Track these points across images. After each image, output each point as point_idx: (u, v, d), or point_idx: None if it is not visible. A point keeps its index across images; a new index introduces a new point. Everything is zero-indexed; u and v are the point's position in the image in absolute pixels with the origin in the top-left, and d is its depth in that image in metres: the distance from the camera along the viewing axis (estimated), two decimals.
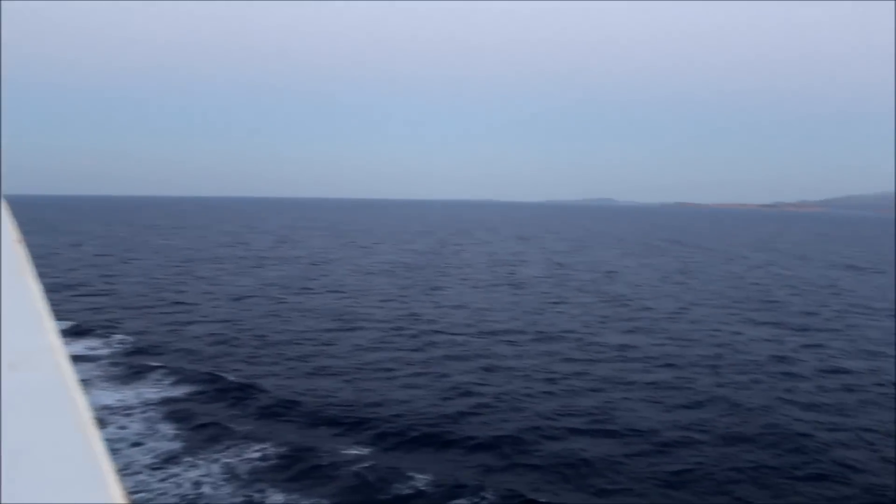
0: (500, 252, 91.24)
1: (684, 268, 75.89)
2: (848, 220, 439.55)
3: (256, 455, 19.21)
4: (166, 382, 26.28)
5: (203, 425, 21.66)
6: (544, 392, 26.40)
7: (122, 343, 32.89)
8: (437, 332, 36.79)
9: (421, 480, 18.01)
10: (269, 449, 19.63)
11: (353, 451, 19.82)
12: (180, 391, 25.33)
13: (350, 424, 22.46)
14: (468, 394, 25.94)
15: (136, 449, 19.66)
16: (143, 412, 22.75)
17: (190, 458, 19.02)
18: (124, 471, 18.06)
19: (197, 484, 17.37)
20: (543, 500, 17.34)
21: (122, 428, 21.24)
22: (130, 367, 28.39)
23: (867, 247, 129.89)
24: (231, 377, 26.84)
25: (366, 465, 18.81)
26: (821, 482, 18.96)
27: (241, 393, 25.25)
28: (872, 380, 29.27)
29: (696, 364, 31.19)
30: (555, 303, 47.32)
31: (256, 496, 17.00)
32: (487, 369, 29.54)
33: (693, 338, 36.82)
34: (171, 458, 19.02)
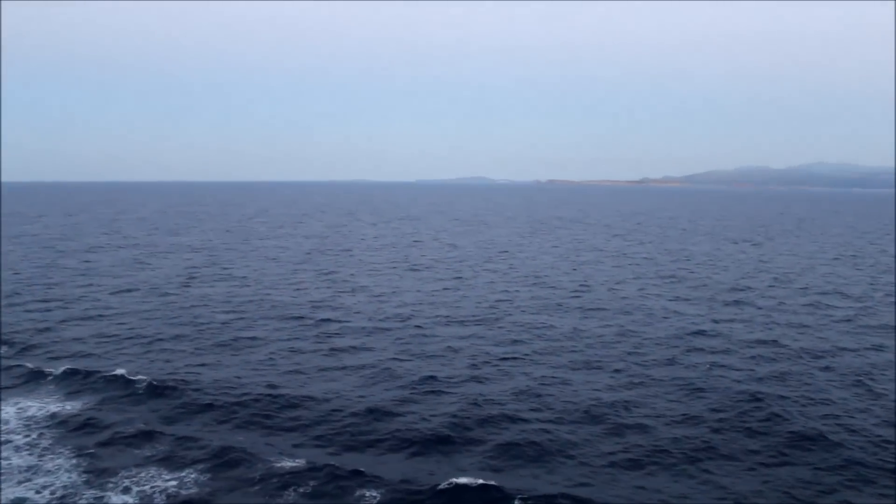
0: (389, 234, 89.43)
1: (574, 244, 76.65)
2: (711, 194, 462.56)
3: (174, 476, 16.73)
4: (53, 395, 22.95)
5: (104, 444, 18.93)
6: (471, 378, 25.16)
7: None
8: (341, 319, 34.91)
9: (368, 487, 16.36)
10: (189, 467, 17.18)
11: (286, 462, 17.75)
12: (71, 403, 22.17)
13: (272, 426, 20.50)
14: (390, 384, 24.40)
15: (26, 486, 16.40)
16: (28, 434, 19.40)
17: (95, 491, 16.13)
18: None
19: None
20: (507, 487, 16.08)
21: (4, 458, 17.69)
22: (6, 377, 24.79)
23: (738, 220, 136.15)
24: (129, 380, 23.98)
25: (302, 473, 16.94)
26: (777, 466, 18.54)
27: (143, 398, 22.61)
28: (781, 351, 29.71)
29: (616, 342, 30.87)
30: (457, 285, 46.16)
31: None
32: (402, 357, 28.06)
33: (603, 315, 36.62)
34: (70, 494, 15.96)
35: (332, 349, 29.30)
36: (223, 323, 33.80)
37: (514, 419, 21.25)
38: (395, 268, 54.46)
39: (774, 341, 31.23)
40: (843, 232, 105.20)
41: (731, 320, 35.81)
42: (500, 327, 33.54)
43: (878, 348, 30.49)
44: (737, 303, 40.60)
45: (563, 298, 41.32)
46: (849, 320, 36.33)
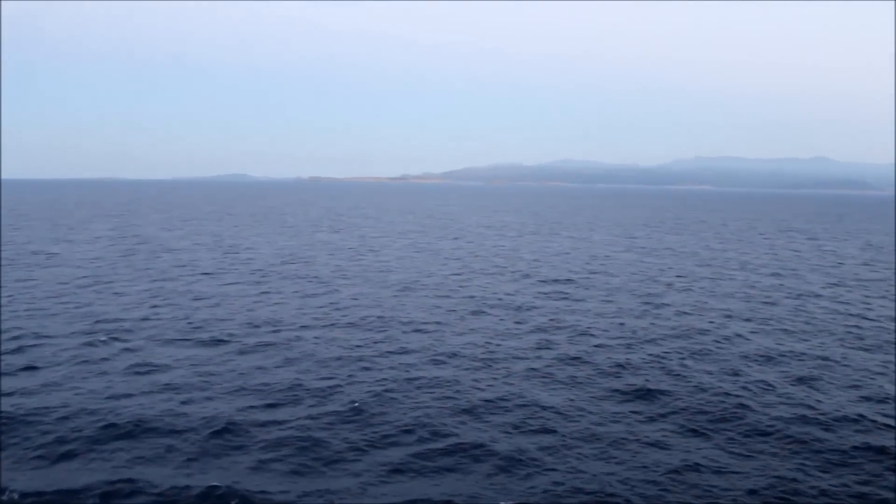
0: (162, 236, 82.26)
1: (367, 241, 75.49)
2: (472, 189, 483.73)
3: None
4: None
5: None
6: (314, 391, 23.19)
7: None
8: (138, 331, 31.29)
9: None
10: None
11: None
12: None
13: (120, 463, 17.38)
14: (230, 402, 21.84)
15: None
16: None
17: None
18: None
19: None
20: None
21: None
22: None
23: (516, 214, 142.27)
24: None
25: None
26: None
27: None
28: (633, 336, 30.62)
29: (478, 340, 30.24)
30: (265, 289, 43.06)
31: None
32: (232, 369, 25.62)
33: (442, 309, 35.85)
34: None
35: (142, 365, 25.77)
36: (43, 337, 29.17)
37: (398, 429, 19.98)
38: (184, 273, 49.81)
39: (619, 323, 32.35)
40: (619, 222, 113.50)
41: (575, 310, 36.84)
42: (333, 334, 31.27)
43: (703, 332, 32.48)
44: (565, 292, 42.15)
45: (388, 297, 40.10)
46: (665, 305, 38.72)
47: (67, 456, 17.92)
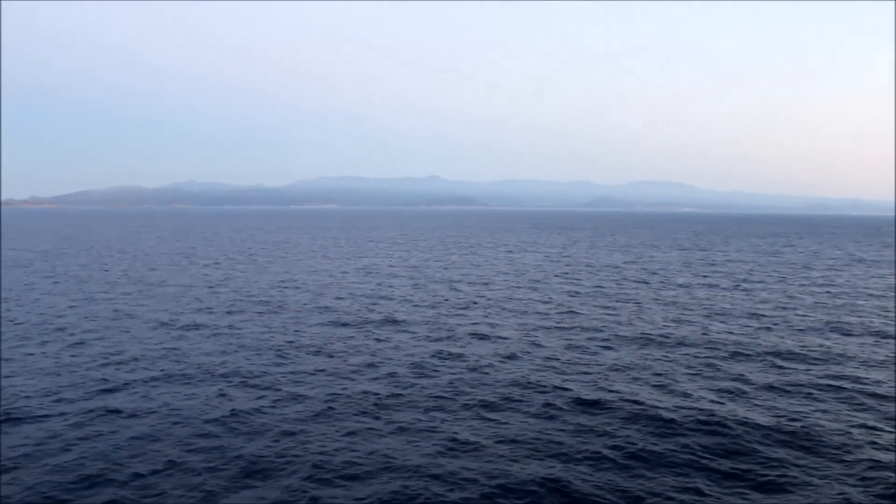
0: None
1: (53, 272, 65.13)
2: (95, 214, 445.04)
3: None
4: None
5: None
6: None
7: None
8: None
9: None
10: None
11: None
12: None
13: None
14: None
15: None
16: None
17: None
18: None
19: None
20: None
21: None
22: None
23: (188, 241, 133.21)
24: None
25: None
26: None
27: None
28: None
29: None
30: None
31: None
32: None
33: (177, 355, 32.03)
34: None
35: None
36: None
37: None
38: None
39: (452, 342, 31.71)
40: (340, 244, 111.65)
41: (391, 337, 35.12)
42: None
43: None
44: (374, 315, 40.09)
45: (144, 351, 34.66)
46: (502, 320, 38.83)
47: None
